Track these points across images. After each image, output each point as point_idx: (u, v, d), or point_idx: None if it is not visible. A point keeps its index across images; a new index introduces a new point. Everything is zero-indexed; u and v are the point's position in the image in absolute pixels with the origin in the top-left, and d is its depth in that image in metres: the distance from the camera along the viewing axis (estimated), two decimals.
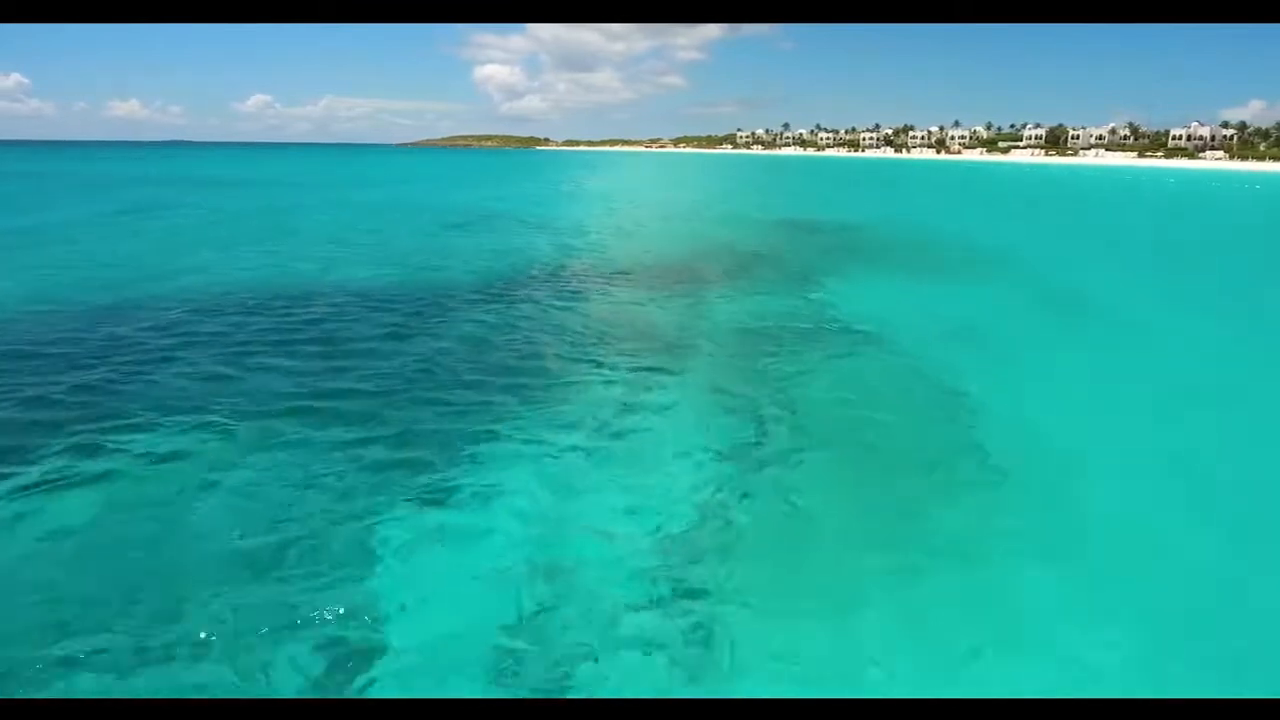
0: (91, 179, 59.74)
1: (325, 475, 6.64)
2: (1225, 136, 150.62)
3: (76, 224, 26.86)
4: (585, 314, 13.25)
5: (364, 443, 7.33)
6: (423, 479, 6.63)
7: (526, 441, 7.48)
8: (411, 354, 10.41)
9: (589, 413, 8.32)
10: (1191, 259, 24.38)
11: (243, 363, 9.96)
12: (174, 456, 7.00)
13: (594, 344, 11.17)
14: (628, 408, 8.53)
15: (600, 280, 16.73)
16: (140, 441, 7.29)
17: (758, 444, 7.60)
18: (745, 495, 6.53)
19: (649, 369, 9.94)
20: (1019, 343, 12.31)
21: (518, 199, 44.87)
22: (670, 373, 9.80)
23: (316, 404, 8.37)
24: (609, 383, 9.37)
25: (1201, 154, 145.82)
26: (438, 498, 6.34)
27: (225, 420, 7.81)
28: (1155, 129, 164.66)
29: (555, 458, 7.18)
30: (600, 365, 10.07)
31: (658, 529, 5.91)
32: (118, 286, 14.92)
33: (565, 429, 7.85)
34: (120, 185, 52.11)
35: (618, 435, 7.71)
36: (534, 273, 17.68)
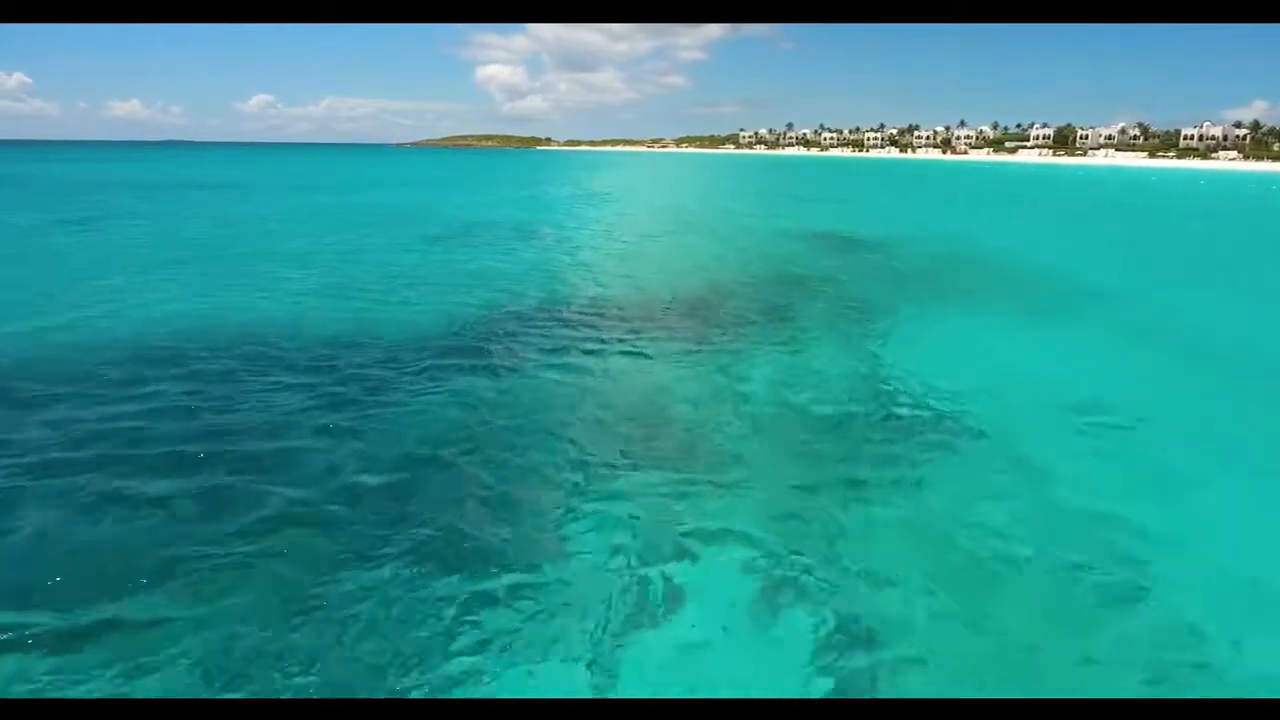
0: (68, 182, 56.68)
1: None
2: (1238, 136, 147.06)
3: (11, 235, 23.69)
4: (585, 390, 9.90)
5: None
6: None
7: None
8: (330, 477, 7.10)
9: (598, 613, 5.11)
10: None
11: (90, 489, 6.75)
12: None
13: (601, 452, 7.81)
14: (658, 602, 5.31)
15: (606, 325, 13.44)
16: None
17: (862, 672, 4.42)
18: None
19: (680, 507, 6.68)
20: (1196, 437, 8.75)
21: (514, 204, 41.61)
22: (714, 519, 6.50)
23: (163, 595, 5.14)
24: (623, 554, 6.11)
25: (1214, 154, 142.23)
26: None
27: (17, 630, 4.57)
28: (1162, 129, 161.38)
29: None
30: (612, 498, 6.79)
31: None
32: None
33: (564, 663, 4.63)
34: (93, 189, 48.98)
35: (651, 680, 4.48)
36: (522, 312, 14.41)
